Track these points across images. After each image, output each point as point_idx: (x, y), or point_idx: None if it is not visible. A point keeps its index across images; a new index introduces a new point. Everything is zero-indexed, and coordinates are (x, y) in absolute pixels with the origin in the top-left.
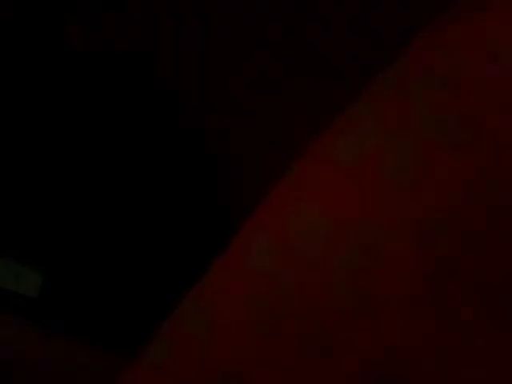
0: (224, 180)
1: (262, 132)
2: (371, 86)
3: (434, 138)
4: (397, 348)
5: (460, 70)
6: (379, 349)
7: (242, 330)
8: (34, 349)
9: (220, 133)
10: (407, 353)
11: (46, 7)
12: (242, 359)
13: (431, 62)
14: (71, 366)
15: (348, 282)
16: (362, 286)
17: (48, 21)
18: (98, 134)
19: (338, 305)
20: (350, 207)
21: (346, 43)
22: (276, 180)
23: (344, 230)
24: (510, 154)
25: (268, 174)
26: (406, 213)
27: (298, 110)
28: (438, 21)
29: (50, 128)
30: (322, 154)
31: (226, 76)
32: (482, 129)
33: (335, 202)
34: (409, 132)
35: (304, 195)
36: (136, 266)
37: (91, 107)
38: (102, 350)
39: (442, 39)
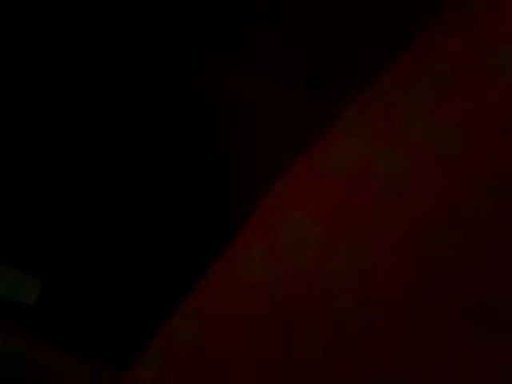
0: (221, 186)
1: (261, 139)
2: (363, 95)
3: (425, 148)
4: (390, 355)
5: (455, 77)
6: (374, 354)
7: (236, 342)
8: (31, 357)
9: (218, 137)
10: (400, 360)
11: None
12: (233, 369)
13: (425, 71)
14: (68, 375)
15: (339, 291)
16: (352, 294)
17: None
18: (96, 135)
19: (333, 317)
20: (340, 217)
21: (347, 43)
22: (272, 187)
23: (334, 239)
24: (500, 166)
25: (266, 181)
26: (394, 222)
27: (297, 113)
28: (435, 26)
29: (49, 134)
30: (312, 164)
31: (225, 76)
32: (473, 141)
33: (325, 211)
34: (400, 143)
35: (295, 206)
36: (133, 274)
37: (87, 106)
38: (98, 358)
39: (438, 45)
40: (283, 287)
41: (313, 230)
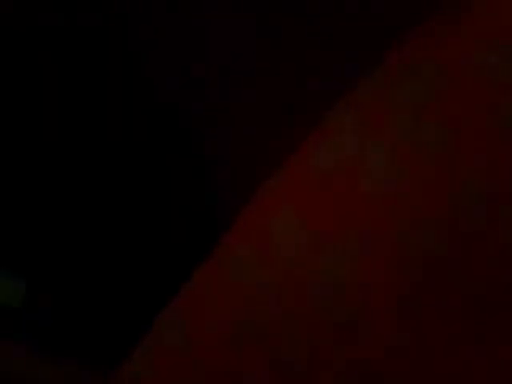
0: (209, 184)
1: (251, 140)
2: (353, 92)
3: (417, 148)
4: (378, 358)
5: (447, 76)
6: (362, 358)
7: (223, 344)
8: (19, 363)
9: (206, 140)
10: (388, 363)
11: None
12: (221, 370)
13: (417, 67)
14: (55, 376)
15: (330, 291)
16: (344, 295)
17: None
18: (80, 134)
19: (320, 318)
20: (330, 216)
21: (346, 43)
22: (262, 185)
23: (325, 239)
24: (492, 168)
25: (256, 178)
26: (384, 221)
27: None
28: (427, 24)
29: (32, 135)
30: (300, 163)
31: (219, 77)
32: (466, 142)
33: (316, 210)
34: (391, 143)
35: (285, 204)
36: (122, 272)
37: (77, 104)
38: (85, 358)
39: (430, 43)
40: (273, 288)
41: (304, 229)
